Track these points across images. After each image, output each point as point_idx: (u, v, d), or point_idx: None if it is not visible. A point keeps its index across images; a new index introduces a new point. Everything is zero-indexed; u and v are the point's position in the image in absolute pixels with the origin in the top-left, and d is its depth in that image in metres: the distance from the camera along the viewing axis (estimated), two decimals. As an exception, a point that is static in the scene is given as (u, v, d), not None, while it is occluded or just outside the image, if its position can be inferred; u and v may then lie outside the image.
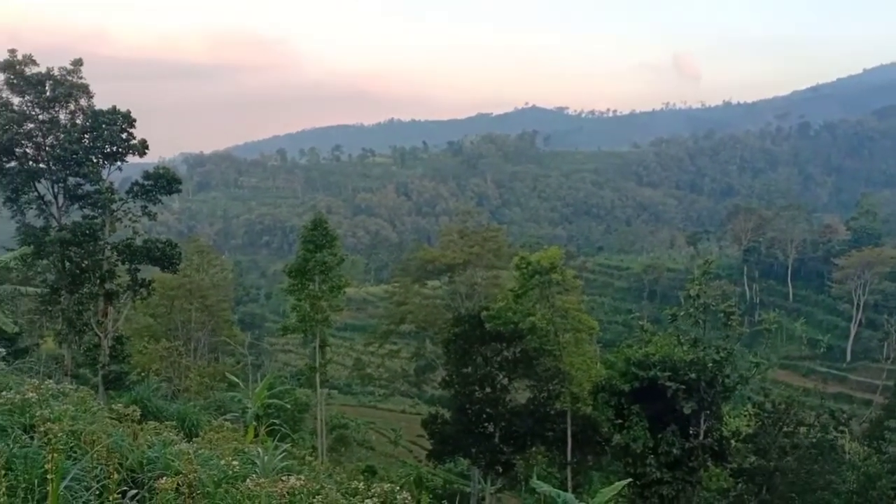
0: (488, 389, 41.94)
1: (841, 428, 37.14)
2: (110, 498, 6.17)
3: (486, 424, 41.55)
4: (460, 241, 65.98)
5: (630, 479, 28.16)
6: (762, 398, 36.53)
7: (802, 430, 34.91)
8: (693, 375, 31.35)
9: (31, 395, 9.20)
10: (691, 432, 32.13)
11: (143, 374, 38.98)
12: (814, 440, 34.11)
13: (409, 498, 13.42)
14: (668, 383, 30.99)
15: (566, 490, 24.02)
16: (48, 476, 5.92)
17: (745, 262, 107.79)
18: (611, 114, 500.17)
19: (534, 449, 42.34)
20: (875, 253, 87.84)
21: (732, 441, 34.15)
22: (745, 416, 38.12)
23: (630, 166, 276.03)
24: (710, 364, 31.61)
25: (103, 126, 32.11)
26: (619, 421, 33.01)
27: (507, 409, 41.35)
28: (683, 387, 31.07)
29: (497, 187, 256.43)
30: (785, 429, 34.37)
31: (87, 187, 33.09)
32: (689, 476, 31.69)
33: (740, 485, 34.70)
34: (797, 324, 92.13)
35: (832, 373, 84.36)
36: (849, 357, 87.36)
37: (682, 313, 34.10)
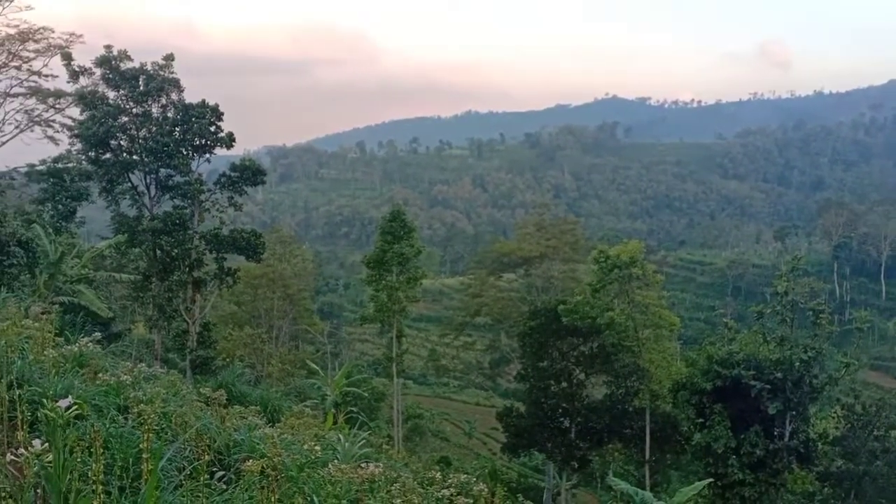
0: (564, 384, 41.56)
1: (938, 433, 35.23)
2: (201, 479, 6.41)
3: (561, 419, 41.21)
4: (537, 233, 65.46)
5: (711, 480, 27.46)
6: (852, 400, 35.07)
7: (894, 433, 33.33)
8: (779, 375, 30.29)
9: (125, 377, 9.64)
10: (776, 433, 31.07)
11: (227, 359, 40.33)
12: (907, 445, 32.53)
13: (485, 489, 13.44)
14: (752, 382, 30.05)
15: (644, 488, 23.62)
16: (142, 455, 6.19)
17: (835, 259, 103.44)
18: (695, 104, 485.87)
19: (610, 446, 41.76)
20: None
21: (819, 443, 32.87)
22: (833, 418, 36.60)
23: (715, 158, 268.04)
24: (798, 363, 30.46)
25: (193, 119, 33.25)
26: (700, 420, 32.21)
27: (584, 405, 40.90)
28: (768, 386, 30.07)
29: (575, 179, 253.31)
30: (875, 432, 32.93)
31: (178, 178, 34.31)
32: (773, 478, 30.66)
33: (826, 489, 33.42)
34: (890, 323, 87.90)
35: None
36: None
37: (768, 310, 32.98)
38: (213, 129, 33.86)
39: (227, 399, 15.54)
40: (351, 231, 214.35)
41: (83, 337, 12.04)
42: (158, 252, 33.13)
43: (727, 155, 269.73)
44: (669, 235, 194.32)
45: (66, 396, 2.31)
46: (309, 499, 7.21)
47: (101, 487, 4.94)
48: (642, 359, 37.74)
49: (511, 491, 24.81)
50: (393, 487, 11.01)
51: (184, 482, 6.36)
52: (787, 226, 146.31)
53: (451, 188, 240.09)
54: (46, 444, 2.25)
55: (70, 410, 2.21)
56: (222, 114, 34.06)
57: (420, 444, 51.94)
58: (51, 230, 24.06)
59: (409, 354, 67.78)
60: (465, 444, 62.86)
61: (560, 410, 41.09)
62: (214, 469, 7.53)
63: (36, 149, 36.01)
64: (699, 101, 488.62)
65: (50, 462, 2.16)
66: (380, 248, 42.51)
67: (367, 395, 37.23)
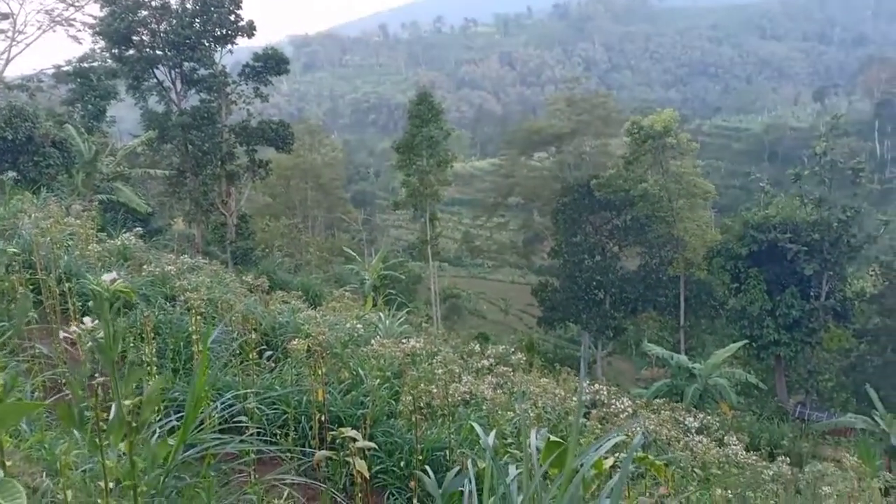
0: (598, 257, 41.92)
1: (978, 287, 35.05)
2: (250, 356, 6.73)
3: (596, 291, 41.84)
4: (567, 109, 63.92)
5: (746, 341, 27.98)
6: (891, 257, 34.81)
7: (934, 290, 33.25)
8: (816, 236, 30.12)
9: (169, 268, 9.96)
10: (812, 294, 31.23)
11: (266, 250, 41.22)
12: (947, 300, 32.49)
13: (523, 359, 13.88)
14: (788, 245, 29.98)
15: (678, 353, 24.19)
16: (192, 339, 6.48)
17: (877, 117, 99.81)
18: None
19: (645, 314, 42.48)
20: None
21: (856, 302, 32.99)
22: (870, 276, 36.52)
23: (753, 19, 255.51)
24: (835, 224, 30.19)
25: (212, 9, 32.75)
26: (736, 285, 32.43)
27: (618, 276, 41.36)
28: (805, 248, 29.98)
29: (606, 51, 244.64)
30: (915, 289, 32.86)
31: (202, 72, 34.23)
32: (808, 337, 31.10)
33: (863, 345, 33.83)
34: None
35: (972, 231, 78.70)
36: None
37: (806, 172, 32.40)
38: (232, 17, 33.36)
39: (268, 286, 16.01)
40: (378, 118, 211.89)
41: (125, 232, 12.37)
42: (190, 147, 33.44)
43: (765, 15, 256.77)
44: (704, 103, 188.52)
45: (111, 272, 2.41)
46: (354, 372, 7.50)
47: (154, 369, 5.23)
48: (676, 228, 37.69)
49: (548, 361, 25.59)
50: (434, 360, 11.43)
51: (233, 361, 6.68)
52: (827, 86, 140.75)
53: (477, 68, 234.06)
54: (97, 321, 2.37)
55: (115, 283, 2.31)
56: (241, 1, 33.41)
57: (458, 322, 53.27)
58: (83, 130, 24.27)
59: (443, 238, 68.41)
60: (502, 320, 64.29)
61: (594, 283, 41.65)
62: (263, 349, 7.87)
63: (61, 50, 35.83)
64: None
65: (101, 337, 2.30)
66: (409, 132, 42.16)
67: (404, 278, 37.95)
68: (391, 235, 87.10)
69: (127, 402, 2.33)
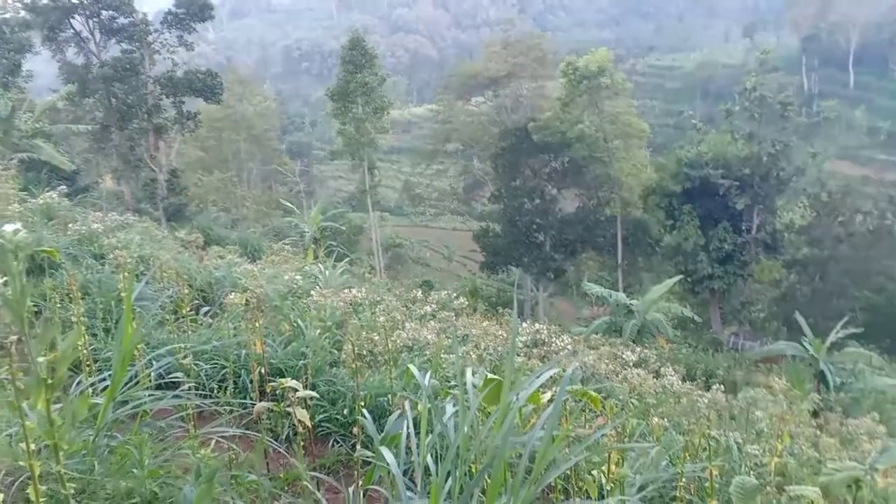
0: (538, 200, 42.29)
1: (899, 214, 36.69)
2: (182, 312, 6.57)
3: (536, 234, 42.33)
4: (503, 52, 63.40)
5: (681, 276, 28.79)
6: (818, 189, 36.03)
7: (859, 218, 34.64)
8: (747, 171, 30.96)
9: (96, 226, 9.62)
10: (743, 228, 32.22)
11: (201, 205, 40.28)
12: (871, 227, 33.89)
13: (465, 303, 13.95)
14: (720, 181, 30.75)
15: (617, 291, 24.75)
16: (123, 296, 6.30)
17: (804, 52, 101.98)
18: None
19: (584, 255, 43.25)
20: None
21: (786, 233, 34.22)
22: (799, 208, 37.84)
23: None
24: (765, 158, 31.06)
25: (128, -49, 31.23)
26: (671, 222, 33.22)
27: (557, 219, 41.87)
28: (736, 183, 30.82)
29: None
30: (840, 218, 34.15)
31: (122, 20, 32.78)
32: (741, 270, 32.20)
33: (792, 276, 35.18)
34: (857, 112, 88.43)
35: (892, 160, 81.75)
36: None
37: (737, 108, 33.09)
38: (149, -38, 31.81)
39: (204, 242, 15.64)
40: (312, 65, 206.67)
41: (48, 191, 11.87)
42: (113, 100, 32.24)
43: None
44: (638, 42, 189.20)
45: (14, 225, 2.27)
46: (295, 324, 7.43)
47: (83, 329, 5.06)
48: (613, 168, 38.19)
49: (491, 305, 25.89)
50: (377, 309, 11.42)
51: (168, 319, 6.52)
52: (757, 21, 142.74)
53: (411, 11, 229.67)
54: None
55: (18, 234, 2.18)
56: (158, -57, 31.92)
57: (402, 271, 53.34)
58: (-3, 86, 23.08)
59: (384, 187, 67.86)
60: (446, 267, 64.66)
61: (534, 226, 42.12)
62: (200, 306, 7.72)
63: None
64: None
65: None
66: (343, 78, 41.31)
67: (344, 229, 37.67)
68: (330, 186, 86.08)
69: (41, 360, 2.22)
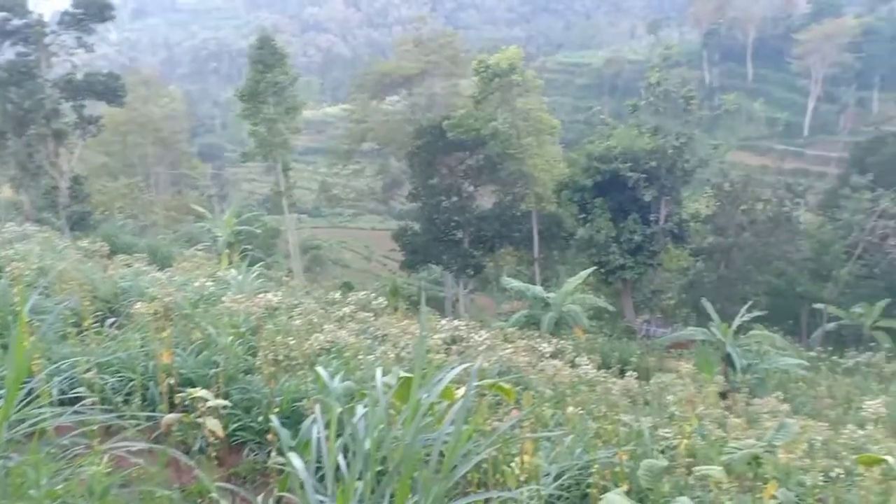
0: (455, 198, 42.58)
1: (797, 200, 38.55)
2: (84, 324, 6.31)
3: (454, 232, 42.62)
4: (415, 50, 63.52)
5: (595, 268, 29.51)
6: (721, 179, 37.51)
7: (759, 205, 36.20)
8: (653, 163, 31.94)
9: (-9, 238, 9.15)
10: (652, 218, 33.25)
11: (106, 212, 38.74)
12: (770, 214, 35.50)
13: (384, 303, 13.90)
14: (629, 174, 31.62)
15: (534, 284, 25.19)
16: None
17: (705, 47, 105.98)
18: None
19: (502, 250, 43.79)
20: (835, 24, 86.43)
21: (692, 223, 35.47)
22: (704, 198, 39.34)
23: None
24: (670, 151, 32.12)
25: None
26: (583, 215, 33.97)
27: (475, 215, 42.25)
28: (644, 175, 31.75)
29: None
30: (742, 206, 35.65)
31: (16, 22, 31.21)
32: (650, 259, 33.23)
33: (699, 263, 36.55)
34: (756, 104, 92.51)
35: (790, 149, 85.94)
36: (806, 132, 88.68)
37: (642, 103, 34.10)
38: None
39: (111, 251, 15.06)
40: (220, 66, 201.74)
41: (-65, 203, 11.22)
42: (9, 105, 30.71)
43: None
44: (548, 40, 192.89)
45: None
46: (206, 332, 7.25)
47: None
48: (526, 164, 38.78)
49: (412, 303, 25.91)
50: (293, 312, 11.25)
51: (71, 332, 6.27)
52: (660, 18, 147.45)
53: (322, 10, 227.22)
54: None
55: None
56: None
57: (321, 273, 52.76)
58: None
59: (300, 188, 66.90)
60: (367, 268, 64.35)
61: (453, 223, 42.39)
62: (105, 317, 7.43)
63: None
64: None
65: None
66: (252, 78, 40.44)
67: (260, 232, 36.93)
68: (244, 189, 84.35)
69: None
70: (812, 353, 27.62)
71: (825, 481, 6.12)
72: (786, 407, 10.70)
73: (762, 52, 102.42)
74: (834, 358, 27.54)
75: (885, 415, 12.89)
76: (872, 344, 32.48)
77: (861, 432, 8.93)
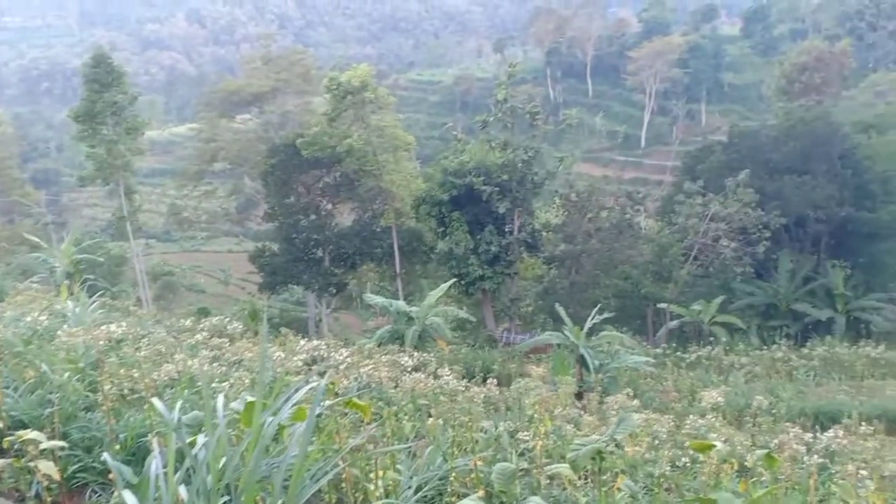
0: (313, 216, 42.00)
1: (637, 207, 40.95)
2: None
3: (314, 251, 42.02)
4: (265, 67, 62.28)
5: (455, 279, 29.97)
6: (568, 190, 39.20)
7: (604, 213, 38.16)
8: (505, 177, 32.90)
9: None
10: (507, 230, 34.24)
11: (-76, 248, 35.20)
12: (614, 221, 37.52)
13: (240, 327, 13.44)
14: (482, 187, 32.38)
15: (398, 299, 25.25)
16: None
17: (547, 65, 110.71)
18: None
19: (364, 267, 43.60)
20: (664, 42, 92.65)
21: (544, 232, 36.82)
22: (553, 208, 40.97)
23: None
24: (520, 164, 33.21)
25: None
26: (442, 229, 34.43)
27: (334, 233, 41.85)
28: (497, 189, 32.63)
29: (298, 7, 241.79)
30: (588, 215, 37.44)
31: None
32: (507, 269, 34.17)
33: (552, 270, 38.01)
34: (597, 118, 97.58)
35: (629, 160, 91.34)
36: (643, 144, 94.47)
37: (491, 119, 35.02)
38: None
39: (-73, 289, 13.67)
40: (53, 86, 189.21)
41: None
42: None
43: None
44: (399, 58, 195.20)
45: None
46: (40, 370, 6.76)
47: None
48: (384, 181, 38.95)
49: (274, 326, 25.25)
50: (141, 343, 10.66)
51: None
52: (505, 37, 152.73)
53: (164, 27, 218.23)
54: None
55: None
56: None
57: (174, 300, 50.47)
58: None
59: (147, 212, 63.68)
60: (224, 292, 62.16)
61: (312, 242, 41.78)
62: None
63: None
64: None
65: None
66: (87, 98, 38.27)
67: (103, 260, 34.79)
68: (85, 215, 79.45)
69: None
70: (658, 350, 29.47)
71: (672, 470, 6.52)
72: (636, 402, 11.33)
73: (600, 69, 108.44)
74: (678, 353, 29.53)
75: (724, 403, 13.95)
76: (712, 338, 35.09)
77: (701, 421, 9.61)
